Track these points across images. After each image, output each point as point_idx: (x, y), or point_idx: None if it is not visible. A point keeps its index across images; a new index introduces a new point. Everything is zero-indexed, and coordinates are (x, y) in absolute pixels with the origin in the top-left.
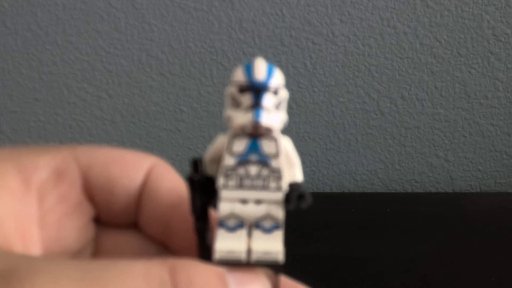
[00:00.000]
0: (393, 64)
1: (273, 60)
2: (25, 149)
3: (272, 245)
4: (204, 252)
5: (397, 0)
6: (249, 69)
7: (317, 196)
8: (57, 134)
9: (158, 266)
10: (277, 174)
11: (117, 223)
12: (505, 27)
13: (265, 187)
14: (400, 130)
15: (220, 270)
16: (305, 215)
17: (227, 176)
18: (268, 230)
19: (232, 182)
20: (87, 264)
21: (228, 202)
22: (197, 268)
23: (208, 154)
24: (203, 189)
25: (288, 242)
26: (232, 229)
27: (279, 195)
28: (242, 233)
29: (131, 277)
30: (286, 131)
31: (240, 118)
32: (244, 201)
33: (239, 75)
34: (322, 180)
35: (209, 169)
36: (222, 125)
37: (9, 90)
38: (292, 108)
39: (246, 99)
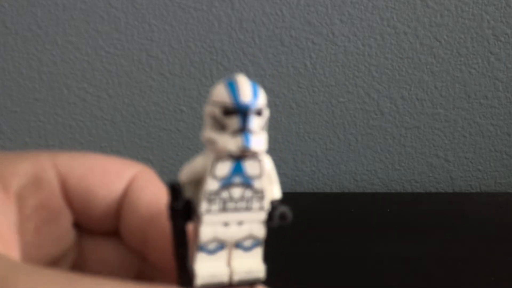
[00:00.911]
0: (393, 64)
1: (273, 60)
2: (2, 156)
3: (253, 264)
4: (185, 277)
5: (397, 0)
6: (234, 90)
7: (317, 196)
8: (57, 134)
9: None
10: (260, 194)
11: (98, 231)
12: (505, 27)
13: (248, 208)
14: (400, 130)
15: None
16: (305, 215)
17: (210, 200)
18: (248, 249)
19: (215, 207)
20: (68, 282)
21: (210, 227)
22: None
23: (186, 176)
24: (183, 215)
25: (288, 242)
26: (212, 252)
27: (262, 215)
28: (223, 254)
29: None
30: (286, 131)
31: (227, 143)
32: (226, 224)
33: (223, 96)
34: (322, 180)
35: (186, 191)
36: None
37: (9, 90)
38: (292, 108)
39: (233, 122)
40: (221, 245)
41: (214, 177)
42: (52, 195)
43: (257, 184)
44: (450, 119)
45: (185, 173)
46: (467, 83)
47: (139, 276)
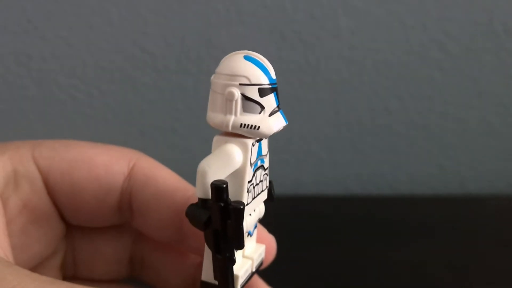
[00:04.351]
0: (400, 60)
1: (274, 56)
2: None
3: (258, 246)
4: (227, 282)
5: None
6: (264, 69)
7: (320, 199)
8: (47, 132)
9: None
10: (267, 172)
11: (89, 226)
12: None
13: (263, 190)
14: (408, 130)
15: None
16: (308, 218)
17: (248, 192)
18: (252, 233)
19: (250, 196)
20: None
21: (245, 219)
22: None
23: (224, 173)
24: (241, 214)
25: (291, 248)
26: None
27: (266, 194)
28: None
29: None
30: (288, 130)
31: (272, 124)
32: (250, 213)
33: (259, 77)
34: (326, 182)
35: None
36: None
37: None
38: (295, 106)
39: (270, 102)
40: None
41: (250, 164)
42: (36, 193)
43: (266, 162)
44: (460, 118)
45: (221, 169)
46: (478, 80)
47: (130, 268)
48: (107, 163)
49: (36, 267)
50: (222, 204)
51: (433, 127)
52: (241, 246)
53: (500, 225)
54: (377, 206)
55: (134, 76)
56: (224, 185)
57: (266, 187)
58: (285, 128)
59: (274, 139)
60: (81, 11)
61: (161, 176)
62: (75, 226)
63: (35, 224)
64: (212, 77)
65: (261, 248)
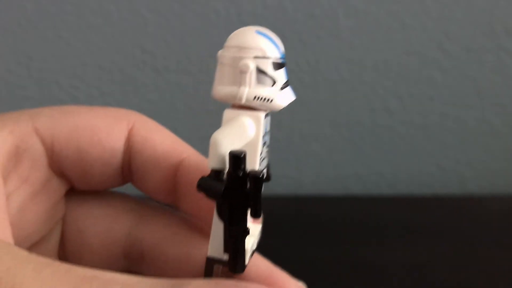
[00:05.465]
0: (400, 60)
1: None
2: None
3: (255, 226)
4: (238, 257)
5: None
6: (276, 44)
7: (320, 199)
8: None
9: None
10: (268, 150)
11: (96, 190)
12: None
13: (265, 167)
14: (408, 130)
15: None
16: (308, 218)
17: (259, 165)
18: None
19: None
20: (80, 280)
21: None
22: None
23: (239, 143)
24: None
25: (291, 247)
26: None
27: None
28: None
29: None
30: (288, 130)
31: (284, 98)
32: None
33: (273, 51)
34: (326, 182)
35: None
36: (220, 124)
37: None
38: (295, 106)
39: (282, 76)
40: None
41: (262, 137)
42: (36, 167)
43: (268, 139)
44: (460, 118)
45: (234, 140)
46: (478, 80)
47: (129, 239)
48: (108, 127)
49: (33, 246)
50: (241, 174)
51: (433, 127)
52: (258, 214)
53: (500, 225)
54: (377, 206)
55: (134, 76)
56: (242, 155)
57: (266, 165)
58: (286, 125)
59: (274, 139)
60: (81, 11)
61: (157, 138)
62: (67, 213)
63: (34, 200)
64: (220, 51)
65: (259, 228)
